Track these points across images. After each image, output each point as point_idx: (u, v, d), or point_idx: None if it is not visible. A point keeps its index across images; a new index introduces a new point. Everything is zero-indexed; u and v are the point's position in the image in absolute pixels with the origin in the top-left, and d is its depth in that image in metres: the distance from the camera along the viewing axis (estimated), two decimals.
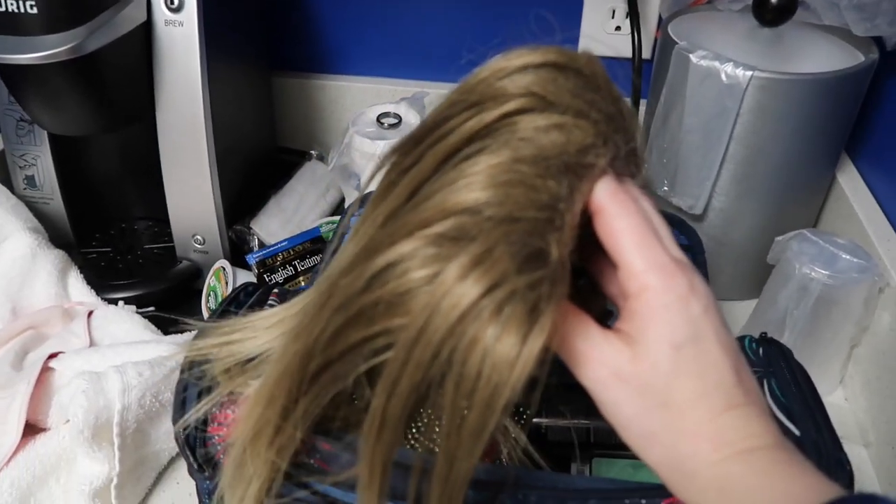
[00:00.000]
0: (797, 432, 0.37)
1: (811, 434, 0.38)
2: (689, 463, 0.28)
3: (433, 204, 0.28)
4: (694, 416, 0.28)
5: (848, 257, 0.55)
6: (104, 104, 0.57)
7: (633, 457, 0.46)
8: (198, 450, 0.38)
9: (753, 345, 0.44)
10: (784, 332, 0.56)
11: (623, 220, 0.29)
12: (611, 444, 0.47)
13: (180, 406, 0.38)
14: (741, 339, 0.46)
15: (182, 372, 0.38)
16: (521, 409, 0.47)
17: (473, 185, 0.28)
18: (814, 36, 0.62)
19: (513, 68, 0.30)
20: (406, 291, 0.27)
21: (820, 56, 0.60)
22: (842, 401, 0.59)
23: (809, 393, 0.41)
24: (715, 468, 0.27)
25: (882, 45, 0.60)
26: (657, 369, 0.28)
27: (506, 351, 0.26)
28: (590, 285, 0.35)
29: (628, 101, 0.32)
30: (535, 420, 0.47)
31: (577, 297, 0.31)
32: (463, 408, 0.27)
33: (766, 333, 0.46)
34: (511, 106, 0.29)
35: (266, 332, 0.37)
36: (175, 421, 0.38)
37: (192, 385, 0.39)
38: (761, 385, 0.41)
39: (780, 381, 0.42)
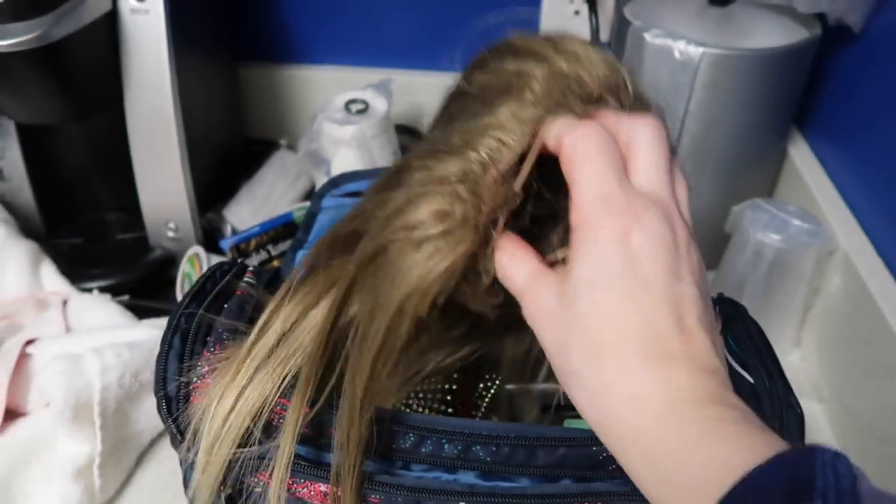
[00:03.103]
0: (752, 380, 0.40)
1: (764, 382, 0.40)
2: (608, 415, 0.26)
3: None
4: (610, 364, 0.26)
5: (798, 223, 0.57)
6: (71, 93, 0.57)
7: None
8: (180, 420, 0.39)
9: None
10: (743, 297, 0.59)
11: (583, 149, 0.28)
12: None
13: (161, 378, 0.39)
14: None
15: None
16: (493, 377, 0.49)
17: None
18: (760, 14, 0.65)
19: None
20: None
21: (767, 33, 0.63)
22: (798, 360, 0.62)
23: (763, 345, 0.44)
24: (632, 428, 0.25)
25: (825, 22, 0.63)
26: (574, 308, 0.27)
27: (417, 269, 0.30)
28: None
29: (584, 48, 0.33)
30: (507, 387, 0.49)
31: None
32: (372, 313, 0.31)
33: (722, 294, 0.49)
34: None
35: None
36: (157, 392, 0.39)
37: (172, 357, 0.40)
38: None
39: (735, 335, 0.44)
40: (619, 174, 0.28)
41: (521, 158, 0.30)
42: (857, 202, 0.60)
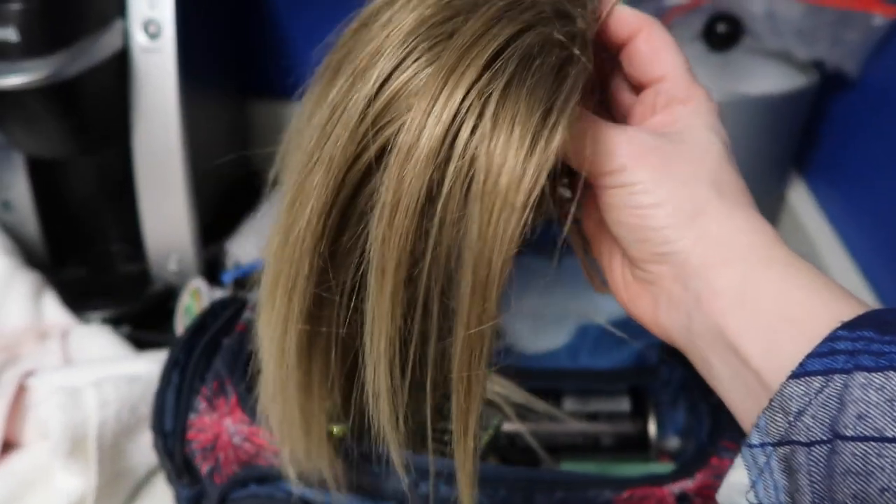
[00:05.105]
0: None
1: None
2: (704, 244, 0.26)
3: None
4: (729, 203, 0.27)
5: None
6: (81, 128, 0.58)
7: (599, 459, 0.48)
8: (176, 456, 0.39)
9: None
10: None
11: (666, 36, 0.30)
12: (577, 447, 0.49)
13: (159, 413, 0.39)
14: None
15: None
16: (488, 420, 0.49)
17: None
18: (759, 61, 0.66)
19: None
20: (396, 97, 0.25)
21: (765, 79, 0.64)
22: None
23: None
24: (730, 258, 0.25)
25: (823, 69, 0.64)
26: (701, 147, 0.28)
27: (509, 154, 0.23)
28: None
29: None
30: (503, 428, 0.49)
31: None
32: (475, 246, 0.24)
33: None
34: None
35: None
36: (154, 427, 0.39)
37: (170, 394, 0.40)
38: None
39: None
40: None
41: None
42: (857, 246, 0.60)
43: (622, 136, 0.27)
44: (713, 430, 0.39)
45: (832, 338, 0.22)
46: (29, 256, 0.66)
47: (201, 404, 0.40)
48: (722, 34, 0.65)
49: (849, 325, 0.22)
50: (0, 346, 0.58)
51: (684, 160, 0.27)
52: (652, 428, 0.46)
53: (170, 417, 0.39)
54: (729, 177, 0.28)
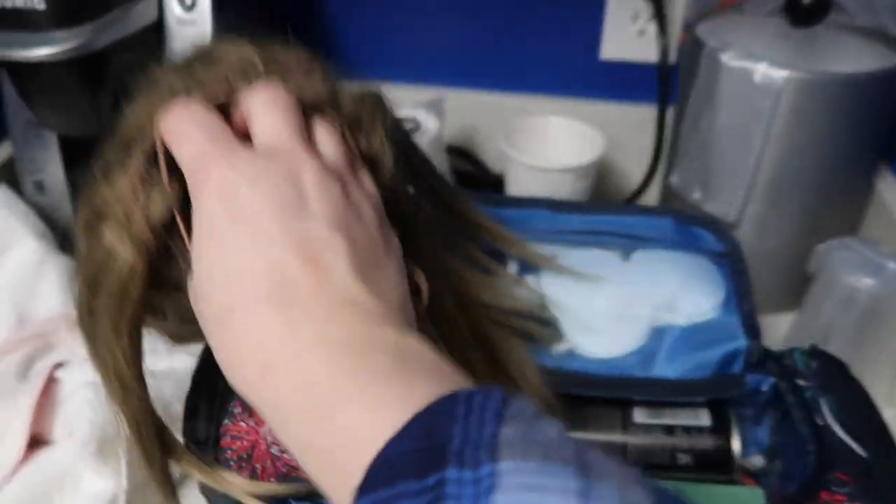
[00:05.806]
0: (864, 454, 0.34)
1: (882, 457, 0.35)
2: (246, 384, 0.23)
3: None
4: (237, 321, 0.24)
5: (895, 266, 0.52)
6: (113, 104, 0.55)
7: (676, 478, 0.43)
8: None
9: (805, 357, 0.42)
10: (828, 347, 0.53)
11: (170, 132, 0.27)
12: (650, 464, 0.44)
13: (191, 418, 0.36)
14: (790, 351, 0.43)
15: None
16: None
17: None
18: (847, 37, 0.60)
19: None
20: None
21: (854, 57, 0.58)
22: (891, 420, 0.55)
23: (872, 411, 0.39)
24: (268, 397, 0.23)
25: None
26: (197, 274, 0.25)
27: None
28: None
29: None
30: None
31: None
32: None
33: (815, 346, 0.44)
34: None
35: None
36: (185, 432, 0.35)
37: (203, 396, 0.36)
38: (816, 402, 0.38)
39: (838, 397, 0.39)
40: (212, 136, 0.27)
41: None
42: None
43: None
44: (822, 459, 0.34)
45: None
46: (62, 241, 0.64)
47: (237, 408, 0.36)
48: (807, 7, 0.59)
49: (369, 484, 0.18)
50: (32, 334, 0.55)
51: (200, 304, 0.26)
52: (735, 445, 0.41)
53: (202, 423, 0.35)
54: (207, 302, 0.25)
